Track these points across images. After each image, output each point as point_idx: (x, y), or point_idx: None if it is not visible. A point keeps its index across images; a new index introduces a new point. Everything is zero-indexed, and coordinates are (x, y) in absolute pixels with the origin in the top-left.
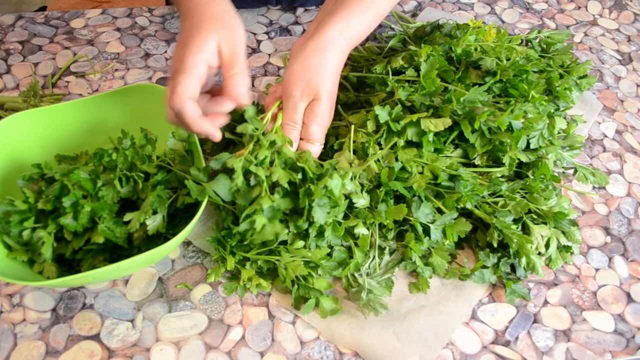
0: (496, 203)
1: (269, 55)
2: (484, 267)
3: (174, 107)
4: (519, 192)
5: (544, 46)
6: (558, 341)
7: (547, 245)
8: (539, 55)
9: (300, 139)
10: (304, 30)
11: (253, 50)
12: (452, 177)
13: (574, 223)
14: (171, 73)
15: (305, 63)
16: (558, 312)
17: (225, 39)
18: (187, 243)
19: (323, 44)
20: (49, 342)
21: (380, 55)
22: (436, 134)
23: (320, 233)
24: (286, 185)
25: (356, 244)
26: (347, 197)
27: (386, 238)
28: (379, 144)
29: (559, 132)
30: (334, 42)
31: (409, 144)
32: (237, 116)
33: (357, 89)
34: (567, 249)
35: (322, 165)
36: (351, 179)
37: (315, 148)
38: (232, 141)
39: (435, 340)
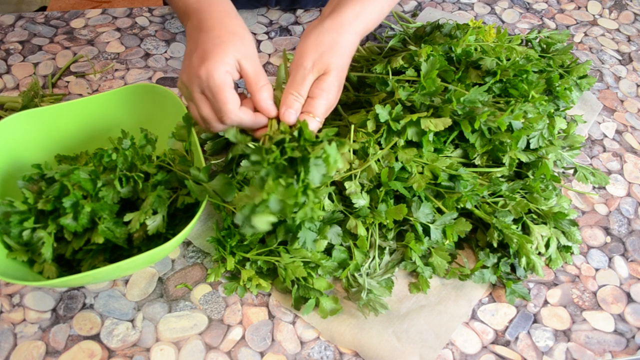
0: (496, 203)
1: (269, 55)
2: (484, 267)
3: (231, 124)
4: (519, 192)
5: (544, 46)
6: (558, 341)
7: (547, 245)
8: (539, 55)
9: (302, 112)
10: (304, 30)
11: None
12: (452, 177)
13: (574, 223)
14: (197, 88)
15: (320, 37)
16: (558, 312)
17: (244, 54)
18: (187, 243)
19: (339, 23)
20: (49, 342)
21: (380, 55)
22: (436, 134)
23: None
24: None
25: (355, 245)
26: (347, 197)
27: (386, 238)
28: (379, 143)
29: (559, 132)
30: (350, 24)
31: (409, 143)
32: None
33: (357, 89)
34: (567, 249)
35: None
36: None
37: (314, 123)
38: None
39: (435, 340)
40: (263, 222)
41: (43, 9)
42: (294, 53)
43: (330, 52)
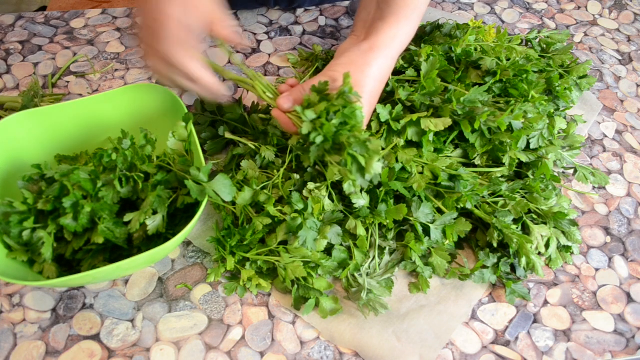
0: (496, 203)
1: (269, 55)
2: (484, 267)
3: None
4: (519, 192)
5: (544, 46)
6: (558, 341)
7: (547, 245)
8: (539, 55)
9: None
10: (304, 30)
11: (253, 51)
12: (452, 177)
13: (574, 223)
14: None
15: (353, 57)
16: (558, 312)
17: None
18: (187, 243)
19: (378, 47)
20: (49, 342)
21: None
22: (436, 134)
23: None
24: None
25: (355, 245)
26: (347, 197)
27: (386, 238)
28: None
29: (559, 132)
30: (385, 47)
31: (409, 144)
32: (237, 116)
33: None
34: (567, 249)
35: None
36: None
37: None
38: (232, 141)
39: (435, 340)
40: (378, 165)
41: (43, 9)
42: (326, 69)
43: (360, 75)
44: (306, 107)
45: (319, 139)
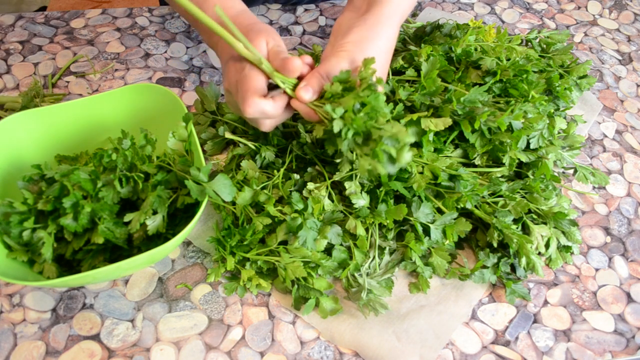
0: (496, 203)
1: None
2: (484, 267)
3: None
4: (519, 192)
5: (544, 46)
6: (558, 341)
7: (547, 245)
8: (539, 55)
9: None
10: (304, 30)
11: None
12: (452, 177)
13: (574, 223)
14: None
15: (364, 33)
16: (558, 312)
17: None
18: (187, 243)
19: (384, 18)
20: (49, 342)
21: None
22: (436, 134)
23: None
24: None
25: (355, 245)
26: (347, 197)
27: (386, 238)
28: None
29: (559, 132)
30: (390, 18)
31: None
32: (237, 116)
33: None
34: (567, 249)
35: None
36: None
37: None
38: (232, 141)
39: (435, 340)
40: (408, 155)
41: (43, 9)
42: (331, 47)
43: (375, 49)
44: (329, 99)
45: (350, 134)
